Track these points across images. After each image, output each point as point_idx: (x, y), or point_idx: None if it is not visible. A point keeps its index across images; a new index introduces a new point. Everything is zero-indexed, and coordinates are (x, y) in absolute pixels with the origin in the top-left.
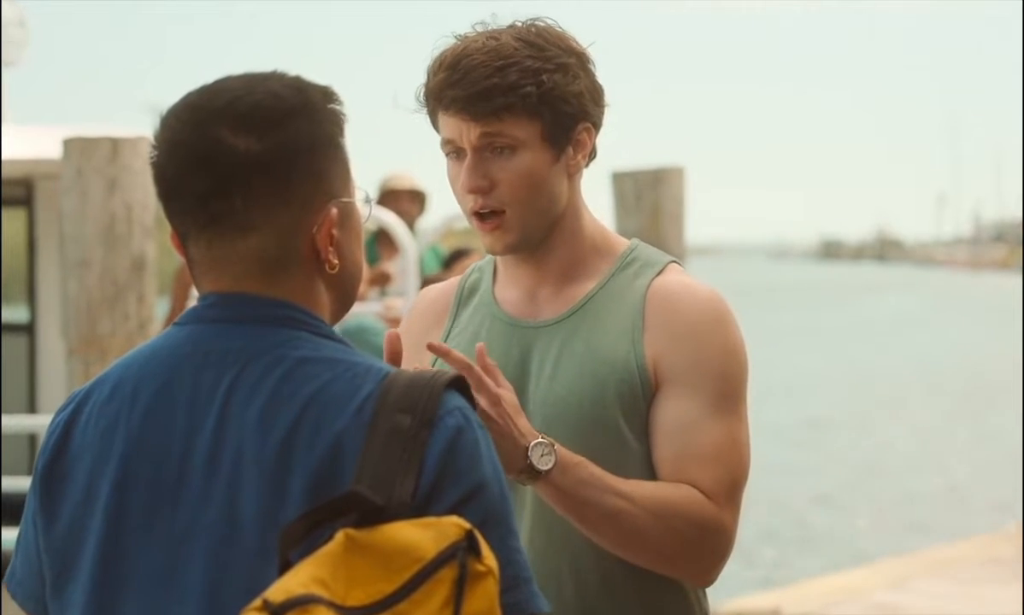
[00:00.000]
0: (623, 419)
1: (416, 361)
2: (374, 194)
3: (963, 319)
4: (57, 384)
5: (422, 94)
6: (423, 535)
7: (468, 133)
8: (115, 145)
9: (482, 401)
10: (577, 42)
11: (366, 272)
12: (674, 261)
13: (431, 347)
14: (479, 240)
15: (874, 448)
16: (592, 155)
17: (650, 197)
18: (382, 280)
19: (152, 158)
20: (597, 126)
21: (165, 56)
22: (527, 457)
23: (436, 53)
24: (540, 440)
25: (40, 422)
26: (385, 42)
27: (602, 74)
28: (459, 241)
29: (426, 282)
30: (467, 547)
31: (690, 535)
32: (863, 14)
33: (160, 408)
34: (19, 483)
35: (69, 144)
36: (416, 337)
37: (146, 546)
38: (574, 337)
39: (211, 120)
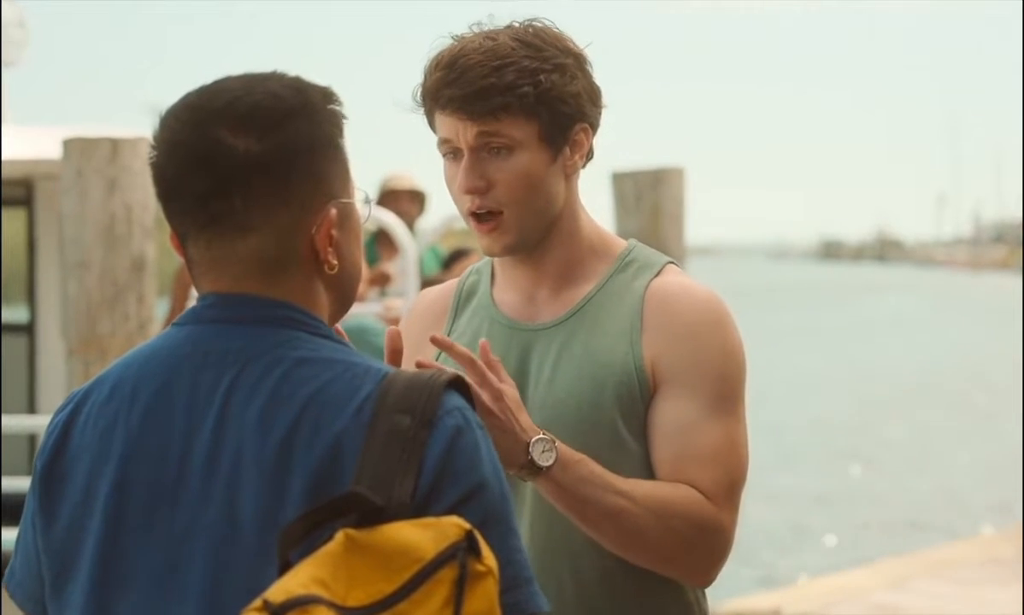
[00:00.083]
0: (621, 420)
1: (415, 364)
2: (374, 194)
3: (963, 319)
4: (57, 384)
5: (419, 94)
6: (423, 535)
7: (465, 133)
8: (115, 146)
9: (484, 396)
10: (574, 43)
11: (366, 272)
12: (672, 262)
13: (435, 341)
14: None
15: (874, 448)
16: (589, 156)
17: (650, 197)
18: (382, 280)
19: (151, 158)
20: (594, 127)
21: (165, 56)
22: (528, 453)
23: (433, 53)
24: (541, 436)
25: (40, 422)
26: (385, 42)
27: (602, 74)
28: (459, 241)
29: (426, 283)
30: (467, 547)
31: (689, 535)
32: (863, 14)
33: (159, 408)
34: (19, 483)
35: (69, 144)
36: (415, 340)
37: (145, 546)
38: (572, 339)
39: (210, 120)
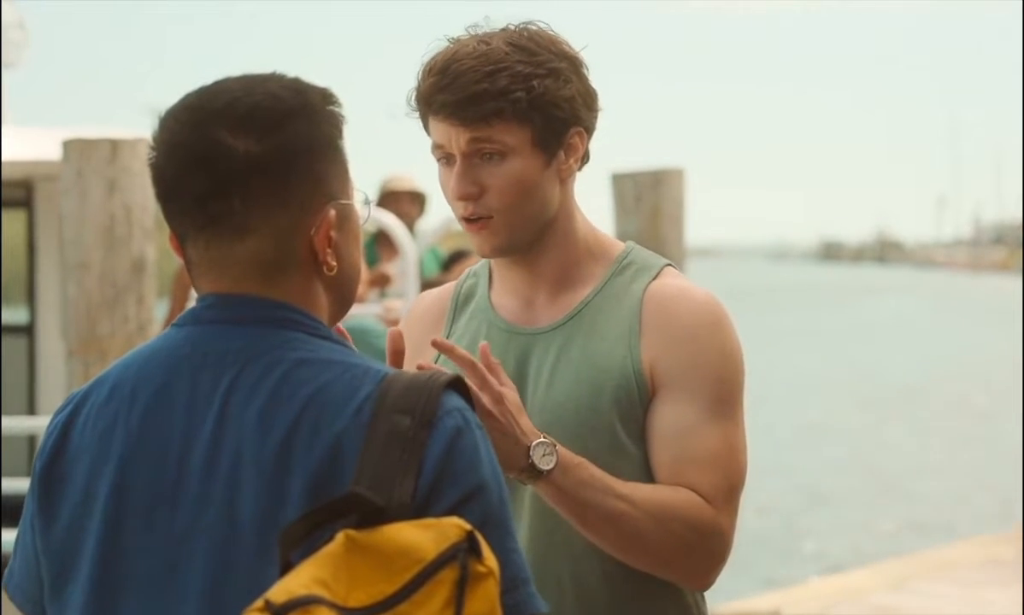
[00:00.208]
0: (620, 424)
1: (413, 368)
2: (374, 195)
3: (963, 321)
4: (57, 385)
5: (413, 98)
6: (424, 536)
7: (457, 138)
8: (114, 147)
9: (485, 399)
10: (570, 46)
11: (365, 273)
12: (669, 264)
13: (436, 344)
14: None
15: (874, 449)
16: (585, 159)
17: (650, 198)
18: (382, 281)
19: (151, 159)
20: (590, 130)
21: (165, 57)
22: (529, 456)
23: (427, 57)
24: (542, 440)
25: (40, 423)
26: (385, 43)
27: (601, 74)
28: (459, 243)
29: (426, 284)
30: (468, 548)
31: (689, 538)
32: (863, 14)
33: (159, 409)
34: (19, 484)
35: (69, 145)
36: (413, 343)
37: (145, 547)
38: (571, 343)
39: (210, 121)
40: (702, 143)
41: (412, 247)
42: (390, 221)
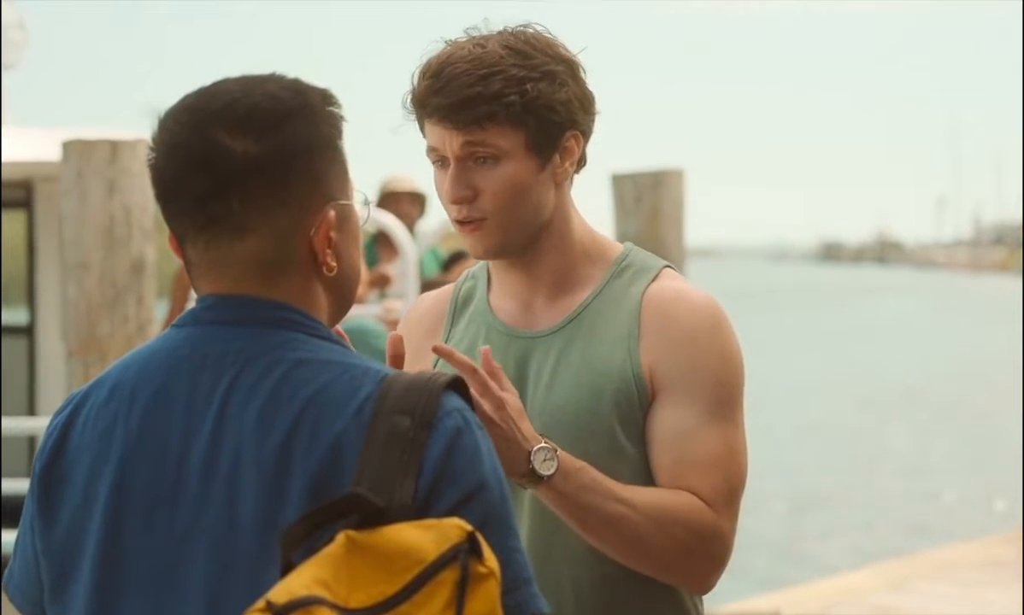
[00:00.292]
0: (620, 427)
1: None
2: (374, 196)
3: (963, 321)
4: (57, 386)
5: (408, 101)
6: (424, 537)
7: (451, 142)
8: (114, 147)
9: (486, 405)
10: (566, 49)
11: (365, 274)
12: (668, 266)
13: (437, 350)
14: None
15: (874, 450)
16: (582, 162)
17: (650, 199)
18: (382, 282)
19: (150, 160)
20: (586, 134)
21: (165, 57)
22: (530, 462)
23: (423, 60)
24: (543, 445)
25: (40, 424)
26: (385, 44)
27: (602, 75)
28: (458, 243)
29: (425, 285)
30: (469, 549)
31: (689, 542)
32: (863, 14)
33: (158, 410)
34: (19, 485)
35: (68, 146)
36: (412, 347)
37: (146, 547)
38: (570, 347)
39: (209, 122)
40: (702, 143)
41: (412, 248)
42: (390, 222)
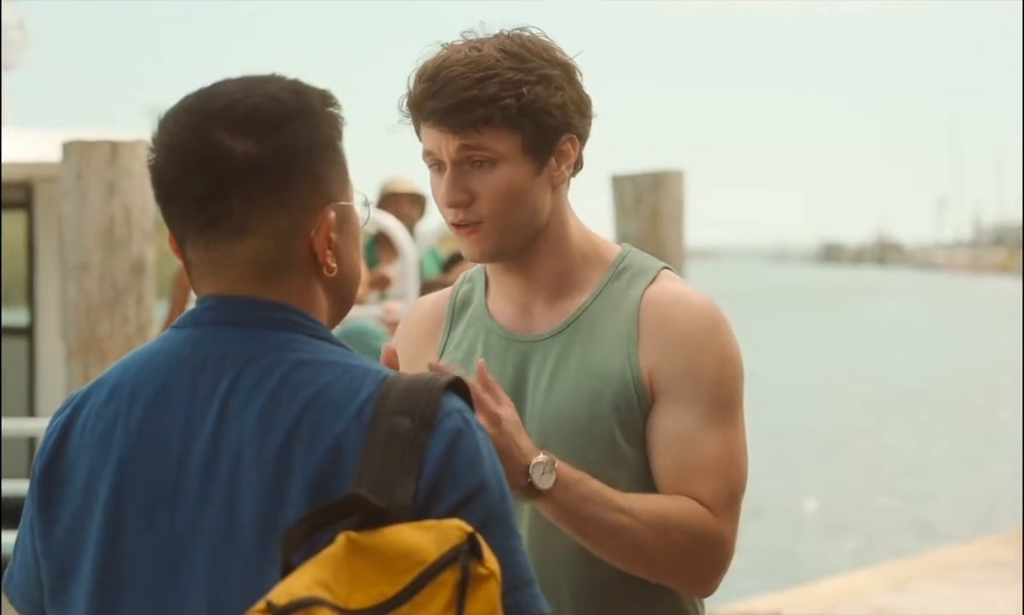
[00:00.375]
0: (619, 431)
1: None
2: (374, 197)
3: (963, 322)
4: (57, 387)
5: (404, 104)
6: (424, 538)
7: (447, 145)
8: (114, 148)
9: (481, 420)
10: (562, 52)
11: (365, 275)
12: (666, 267)
13: (431, 368)
14: None
15: (874, 451)
16: (578, 166)
17: (649, 200)
18: (381, 283)
19: (150, 161)
20: (583, 137)
21: (165, 58)
22: (528, 476)
23: (418, 63)
24: (541, 459)
25: (40, 425)
26: (385, 44)
27: (601, 76)
28: (458, 245)
29: (425, 286)
30: (469, 550)
31: (690, 548)
32: (863, 14)
33: (158, 410)
34: (18, 486)
35: (68, 147)
36: (410, 352)
37: (146, 548)
38: (569, 351)
39: (209, 123)
40: (702, 144)
41: (412, 249)
42: (390, 223)
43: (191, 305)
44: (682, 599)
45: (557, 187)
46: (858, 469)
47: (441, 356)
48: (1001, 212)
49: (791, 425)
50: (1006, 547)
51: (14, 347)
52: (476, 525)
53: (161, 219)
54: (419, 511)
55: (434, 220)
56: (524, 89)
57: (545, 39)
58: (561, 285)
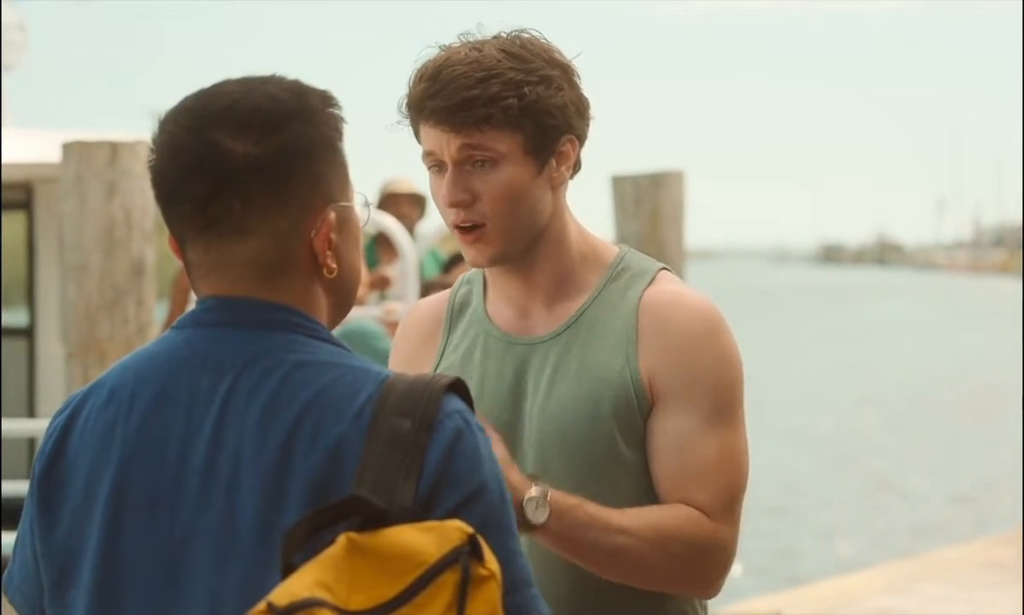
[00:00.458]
0: (619, 433)
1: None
2: (374, 198)
3: (963, 323)
4: (56, 388)
5: (404, 105)
6: (425, 539)
7: (449, 145)
8: (114, 149)
9: None
10: (562, 54)
11: (365, 276)
12: (664, 268)
13: None
14: None
15: (874, 451)
16: (577, 167)
17: (650, 201)
18: (381, 284)
19: (150, 162)
20: (582, 138)
21: (165, 57)
22: (521, 512)
23: (418, 64)
24: (533, 493)
25: (39, 426)
26: (385, 44)
27: (601, 77)
28: (458, 245)
29: (426, 287)
30: (470, 551)
31: (690, 557)
32: (864, 14)
33: (158, 412)
34: (18, 487)
35: (68, 148)
36: (409, 354)
37: (146, 549)
38: (568, 353)
39: (209, 124)
40: (702, 144)
41: (412, 250)
42: (390, 223)
43: (191, 306)
44: (682, 601)
45: (557, 188)
46: (858, 469)
47: (440, 358)
48: (1001, 213)
49: (791, 426)
50: (1006, 547)
51: (14, 348)
52: (476, 526)
53: (161, 220)
54: (419, 512)
55: (434, 221)
56: (526, 89)
57: (544, 41)
58: (560, 287)
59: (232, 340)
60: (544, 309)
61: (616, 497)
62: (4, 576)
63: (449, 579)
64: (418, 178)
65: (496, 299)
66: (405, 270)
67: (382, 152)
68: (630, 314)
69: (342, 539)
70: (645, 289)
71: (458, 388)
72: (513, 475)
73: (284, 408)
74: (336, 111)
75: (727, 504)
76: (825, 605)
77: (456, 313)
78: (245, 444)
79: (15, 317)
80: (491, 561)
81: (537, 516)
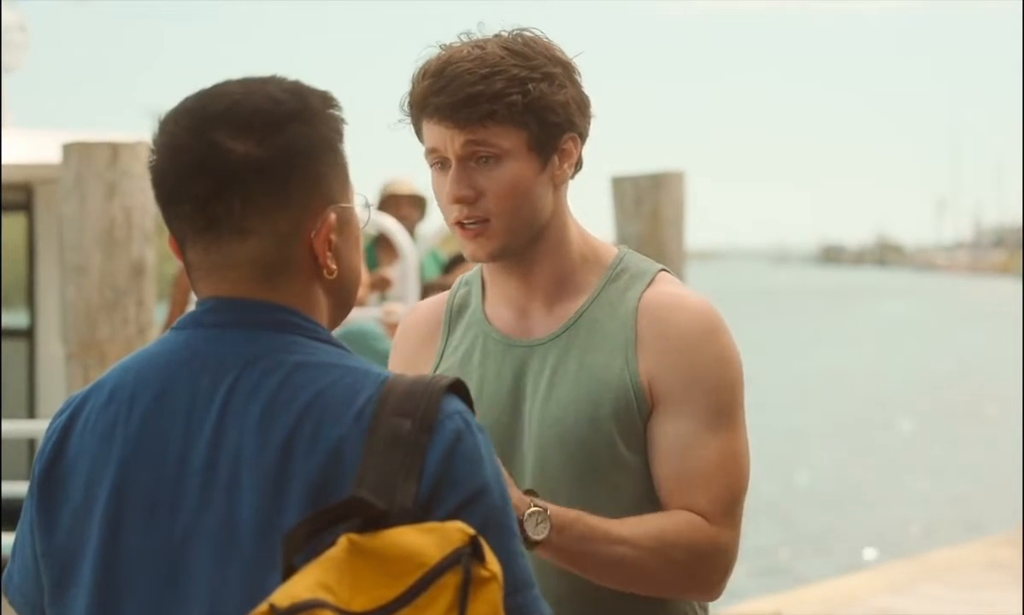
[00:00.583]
0: (619, 436)
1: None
2: (375, 199)
3: (963, 323)
4: (57, 389)
5: (406, 103)
6: (426, 540)
7: (452, 141)
8: (115, 150)
9: None
10: (563, 52)
11: (366, 277)
12: (663, 269)
13: None
14: None
15: (875, 452)
16: (578, 166)
17: (650, 202)
18: (382, 285)
19: (151, 163)
20: (583, 136)
21: (165, 57)
22: (522, 529)
23: (420, 62)
24: (533, 509)
25: (40, 427)
26: (386, 44)
27: (601, 77)
28: (459, 246)
29: (426, 288)
30: (471, 552)
31: (691, 563)
32: (864, 14)
33: (158, 412)
34: (18, 488)
35: (69, 149)
36: (408, 356)
37: (146, 550)
38: (567, 355)
39: (210, 124)
40: (702, 145)
41: (412, 251)
42: (390, 224)
43: (191, 307)
44: (682, 602)
45: (559, 186)
46: (858, 470)
47: (439, 360)
48: (1001, 213)
49: (791, 426)
50: (1006, 548)
51: (14, 349)
52: (477, 527)
53: (161, 221)
54: (420, 513)
55: (435, 222)
56: (529, 86)
57: (545, 39)
58: (559, 288)
59: (232, 341)
60: (543, 310)
61: (616, 499)
62: (4, 576)
63: (450, 580)
64: (418, 179)
65: (495, 300)
66: (405, 271)
67: (382, 153)
68: (629, 316)
69: (343, 540)
70: (644, 290)
71: (458, 389)
72: (512, 493)
73: (284, 409)
74: (336, 112)
75: (728, 507)
76: (825, 605)
77: (455, 314)
78: (245, 445)
79: (15, 318)
80: (492, 562)
81: (538, 533)
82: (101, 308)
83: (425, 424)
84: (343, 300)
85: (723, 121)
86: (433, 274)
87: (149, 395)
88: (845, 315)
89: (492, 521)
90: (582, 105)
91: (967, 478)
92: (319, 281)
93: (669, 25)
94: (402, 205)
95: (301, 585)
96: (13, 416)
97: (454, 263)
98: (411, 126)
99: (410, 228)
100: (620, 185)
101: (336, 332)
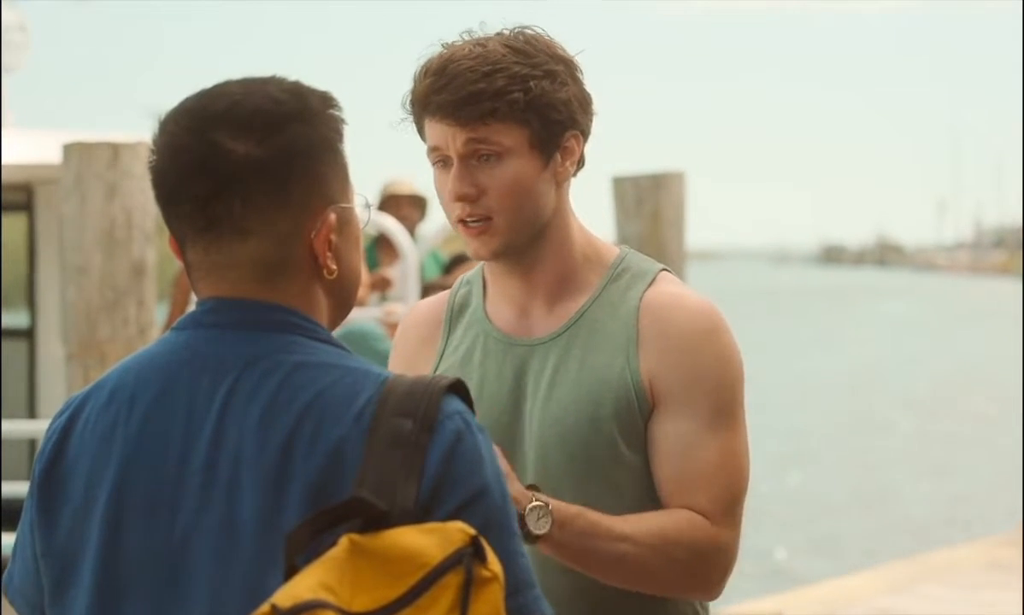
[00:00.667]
0: (620, 435)
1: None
2: (375, 199)
3: (963, 324)
4: (57, 389)
5: (408, 102)
6: (427, 541)
7: (454, 139)
8: (115, 150)
9: None
10: (565, 50)
11: (366, 277)
12: (664, 269)
13: None
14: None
15: (875, 452)
16: (580, 163)
17: (650, 202)
18: (382, 285)
19: (151, 163)
20: (585, 134)
21: (165, 57)
22: (524, 523)
23: (422, 60)
24: (535, 504)
25: (40, 427)
26: (386, 44)
27: (602, 77)
28: (459, 246)
29: (426, 288)
30: (472, 552)
31: (692, 561)
32: (865, 14)
33: (158, 413)
34: (19, 488)
35: (69, 149)
36: (408, 356)
37: (146, 550)
38: (568, 355)
39: (210, 124)
40: (702, 145)
41: (413, 251)
42: (391, 225)
43: (191, 307)
44: (683, 601)
45: (561, 184)
46: (858, 470)
47: (440, 359)
48: (1002, 214)
49: (791, 426)
50: (1006, 548)
51: (14, 349)
52: (477, 527)
53: (162, 221)
54: (421, 514)
55: (435, 222)
56: (531, 83)
57: (547, 37)
58: (560, 287)
59: (232, 341)
60: (544, 309)
61: (617, 498)
62: (4, 577)
63: (452, 580)
64: (419, 179)
65: (496, 299)
66: (406, 271)
67: (382, 153)
68: (630, 316)
69: (344, 541)
70: (645, 290)
71: (458, 389)
72: (514, 487)
73: (284, 409)
74: (336, 112)
75: (728, 506)
76: (825, 605)
77: (456, 314)
78: (245, 445)
79: (15, 318)
80: (493, 562)
81: (539, 527)
82: (101, 308)
83: (425, 424)
84: (343, 300)
85: (723, 121)
86: (433, 274)
87: (149, 395)
88: (845, 315)
89: (493, 521)
90: (584, 103)
91: (967, 478)
92: (319, 281)
93: (669, 25)
94: (402, 205)
95: (303, 585)
96: (13, 416)
97: (454, 263)
98: (413, 125)
99: (410, 228)
100: (621, 185)
101: (336, 332)
